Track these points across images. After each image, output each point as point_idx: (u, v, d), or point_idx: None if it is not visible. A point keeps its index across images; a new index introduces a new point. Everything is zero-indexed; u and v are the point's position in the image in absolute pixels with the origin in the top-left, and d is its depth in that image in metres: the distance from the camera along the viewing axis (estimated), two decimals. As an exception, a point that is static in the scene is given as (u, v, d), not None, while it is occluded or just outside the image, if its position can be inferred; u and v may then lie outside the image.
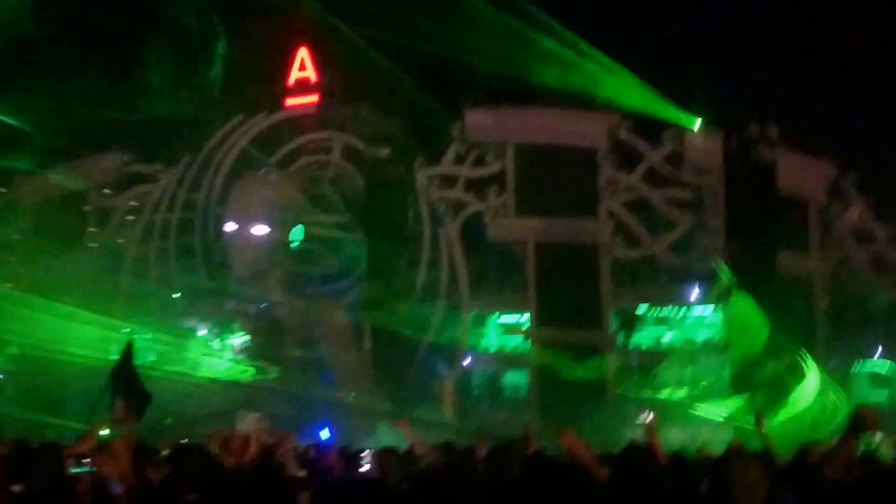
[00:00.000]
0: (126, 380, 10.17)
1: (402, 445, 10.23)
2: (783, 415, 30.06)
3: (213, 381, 35.97)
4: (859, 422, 5.41)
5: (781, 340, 32.83)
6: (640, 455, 5.68)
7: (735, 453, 5.22)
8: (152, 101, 36.80)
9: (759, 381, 33.08)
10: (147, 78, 37.37)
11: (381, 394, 34.68)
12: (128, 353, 10.57)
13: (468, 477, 5.73)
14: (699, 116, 38.44)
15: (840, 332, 39.04)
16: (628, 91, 37.05)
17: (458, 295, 38.54)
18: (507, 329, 40.17)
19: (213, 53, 39.06)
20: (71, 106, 34.89)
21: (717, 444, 15.91)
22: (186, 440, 17.66)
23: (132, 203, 43.10)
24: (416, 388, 36.07)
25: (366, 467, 8.60)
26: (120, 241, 42.69)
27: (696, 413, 32.90)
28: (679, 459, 7.69)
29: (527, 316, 39.10)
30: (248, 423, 24.11)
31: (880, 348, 39.22)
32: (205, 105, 38.79)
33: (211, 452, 7.28)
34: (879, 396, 38.32)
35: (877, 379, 39.13)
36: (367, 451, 14.05)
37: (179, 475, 5.50)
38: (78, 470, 6.61)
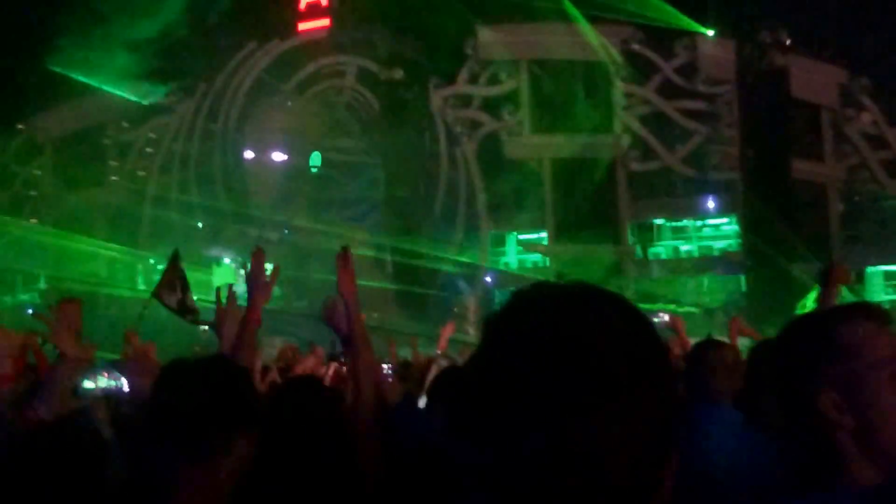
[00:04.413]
0: (179, 284, 10.49)
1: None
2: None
3: (240, 307, 36.27)
4: (827, 276, 5.34)
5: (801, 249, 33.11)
6: None
7: (711, 340, 5.29)
8: None
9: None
10: None
11: (404, 315, 35.06)
12: (175, 259, 10.89)
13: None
14: (711, 25, 38.39)
15: (854, 237, 39.37)
16: (640, 1, 36.98)
17: (476, 215, 38.92)
18: (526, 247, 40.59)
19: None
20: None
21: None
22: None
23: (150, 135, 43.27)
24: (439, 308, 36.48)
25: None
26: (140, 172, 42.91)
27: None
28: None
29: (545, 233, 39.52)
30: (275, 347, 24.64)
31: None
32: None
33: None
34: (894, 298, 38.82)
35: (891, 282, 39.51)
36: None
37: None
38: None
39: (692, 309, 34.72)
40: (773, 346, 2.06)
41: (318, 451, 3.47)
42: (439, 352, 9.81)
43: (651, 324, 1.20)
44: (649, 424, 1.13)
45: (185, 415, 2.31)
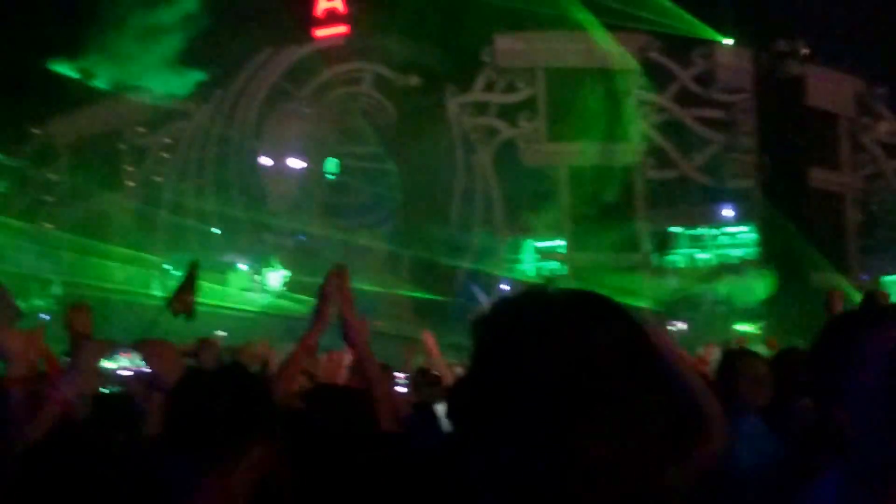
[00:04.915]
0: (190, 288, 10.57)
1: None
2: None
3: (255, 314, 36.42)
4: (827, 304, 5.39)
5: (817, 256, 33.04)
6: None
7: (742, 350, 5.28)
8: None
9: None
10: None
11: (421, 323, 34.95)
12: (193, 270, 10.97)
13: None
14: (729, 34, 38.36)
15: (871, 245, 39.24)
16: (657, 10, 36.96)
17: (493, 222, 38.88)
18: (543, 254, 40.50)
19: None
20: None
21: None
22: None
23: (167, 140, 43.29)
24: (455, 315, 36.41)
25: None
26: (156, 178, 42.99)
27: (736, 331, 33.03)
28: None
29: (562, 241, 39.42)
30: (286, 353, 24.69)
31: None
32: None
33: None
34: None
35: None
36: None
37: None
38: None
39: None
40: (807, 351, 1.99)
41: (350, 457, 3.45)
42: (452, 362, 9.76)
43: (643, 328, 1.20)
44: (649, 431, 1.13)
45: (200, 422, 2.31)
